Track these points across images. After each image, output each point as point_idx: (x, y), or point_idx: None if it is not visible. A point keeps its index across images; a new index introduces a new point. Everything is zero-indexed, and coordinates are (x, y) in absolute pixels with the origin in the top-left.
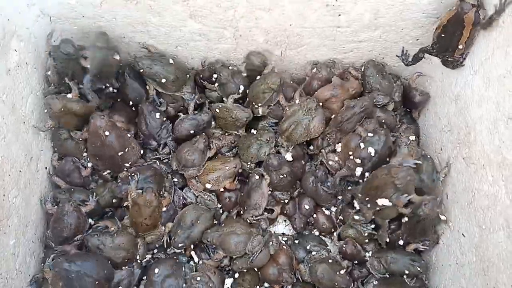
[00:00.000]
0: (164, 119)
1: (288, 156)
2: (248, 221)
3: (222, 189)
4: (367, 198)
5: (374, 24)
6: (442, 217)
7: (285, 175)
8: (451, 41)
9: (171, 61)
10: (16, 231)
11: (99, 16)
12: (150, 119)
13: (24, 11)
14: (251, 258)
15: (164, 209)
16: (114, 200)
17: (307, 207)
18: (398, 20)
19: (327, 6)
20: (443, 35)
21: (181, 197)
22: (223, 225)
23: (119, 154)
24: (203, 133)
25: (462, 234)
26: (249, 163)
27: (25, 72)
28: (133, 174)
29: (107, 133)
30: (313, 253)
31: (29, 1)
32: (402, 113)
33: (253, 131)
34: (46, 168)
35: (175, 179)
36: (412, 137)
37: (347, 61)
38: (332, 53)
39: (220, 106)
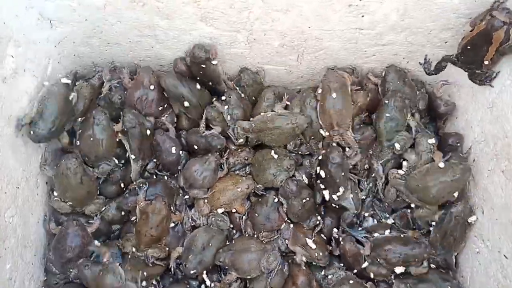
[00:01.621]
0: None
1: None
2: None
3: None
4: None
5: (400, 25)
6: (472, 219)
7: (307, 199)
8: (476, 55)
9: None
10: (13, 253)
11: (103, 19)
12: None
13: (22, 15)
14: (269, 278)
15: (173, 224)
16: (122, 213)
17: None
18: (427, 21)
19: (349, 6)
20: (469, 47)
21: (190, 219)
22: (234, 242)
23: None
24: (216, 151)
25: (504, 256)
26: (259, 185)
27: (23, 80)
28: (141, 184)
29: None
30: (329, 276)
31: (28, 3)
32: (427, 121)
33: (273, 153)
34: (46, 183)
35: (187, 197)
36: (432, 140)
37: (367, 66)
38: (353, 58)
39: (259, 119)
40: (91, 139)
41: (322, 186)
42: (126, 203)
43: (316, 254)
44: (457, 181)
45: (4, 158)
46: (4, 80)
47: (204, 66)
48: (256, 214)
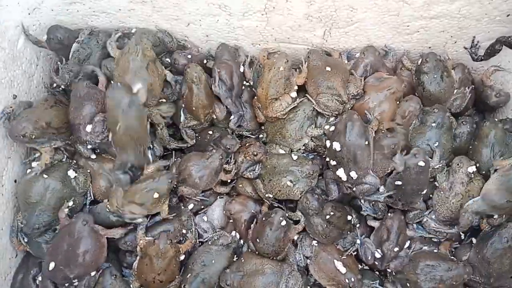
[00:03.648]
0: None
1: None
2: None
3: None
4: None
5: None
6: None
7: (333, 214)
8: None
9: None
10: None
11: None
12: None
13: None
14: None
15: (183, 257)
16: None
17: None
18: None
19: None
20: None
21: (196, 231)
22: (243, 260)
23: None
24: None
25: None
26: (270, 194)
27: None
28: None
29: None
30: None
31: None
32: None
33: (293, 155)
34: (15, 181)
35: (191, 206)
36: (472, 168)
37: (407, 45)
38: (392, 34)
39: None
40: None
41: (334, 163)
42: (125, 244)
43: (347, 280)
44: None
45: None
46: None
47: None
48: (258, 241)
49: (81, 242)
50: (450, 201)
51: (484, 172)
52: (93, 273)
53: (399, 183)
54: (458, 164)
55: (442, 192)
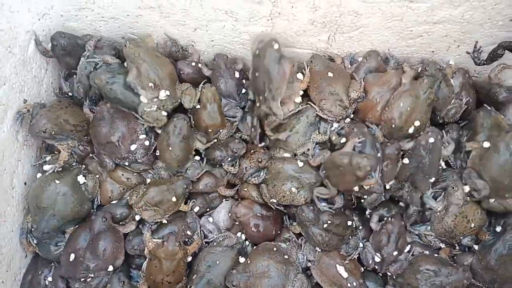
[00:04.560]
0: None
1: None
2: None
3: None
4: None
5: None
6: None
7: (331, 222)
8: None
9: None
10: None
11: None
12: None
13: None
14: None
15: (190, 258)
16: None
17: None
18: None
19: None
20: None
21: (202, 233)
22: (249, 261)
23: None
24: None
25: None
26: (274, 200)
27: None
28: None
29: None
30: None
31: None
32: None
33: (299, 162)
34: (25, 184)
35: (196, 208)
36: (465, 188)
37: (411, 50)
38: (395, 39)
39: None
40: None
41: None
42: (132, 247)
43: (349, 285)
44: None
45: None
46: None
47: None
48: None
49: (101, 236)
50: (445, 220)
51: None
52: (110, 268)
53: (407, 161)
54: (453, 188)
55: (438, 213)
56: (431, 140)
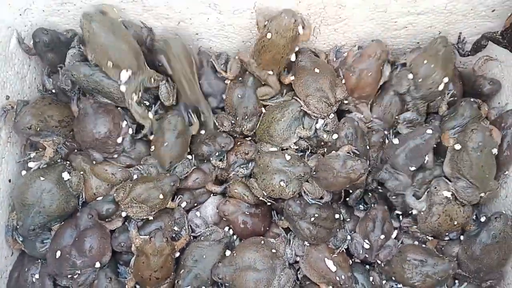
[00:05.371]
0: None
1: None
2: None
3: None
4: None
5: None
6: None
7: (318, 216)
8: None
9: None
10: None
11: None
12: None
13: None
14: None
15: (178, 254)
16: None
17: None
18: None
19: None
20: None
21: (190, 227)
22: (235, 254)
23: None
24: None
25: None
26: (263, 192)
27: None
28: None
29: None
30: None
31: None
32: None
33: (286, 155)
34: (10, 181)
35: (183, 204)
36: (447, 193)
37: (396, 41)
38: (380, 30)
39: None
40: None
41: None
42: (118, 245)
43: (338, 278)
44: None
45: None
46: None
47: None
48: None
49: (87, 233)
50: (429, 220)
51: None
52: (97, 265)
53: (396, 141)
54: (435, 188)
55: (422, 213)
56: (429, 131)
